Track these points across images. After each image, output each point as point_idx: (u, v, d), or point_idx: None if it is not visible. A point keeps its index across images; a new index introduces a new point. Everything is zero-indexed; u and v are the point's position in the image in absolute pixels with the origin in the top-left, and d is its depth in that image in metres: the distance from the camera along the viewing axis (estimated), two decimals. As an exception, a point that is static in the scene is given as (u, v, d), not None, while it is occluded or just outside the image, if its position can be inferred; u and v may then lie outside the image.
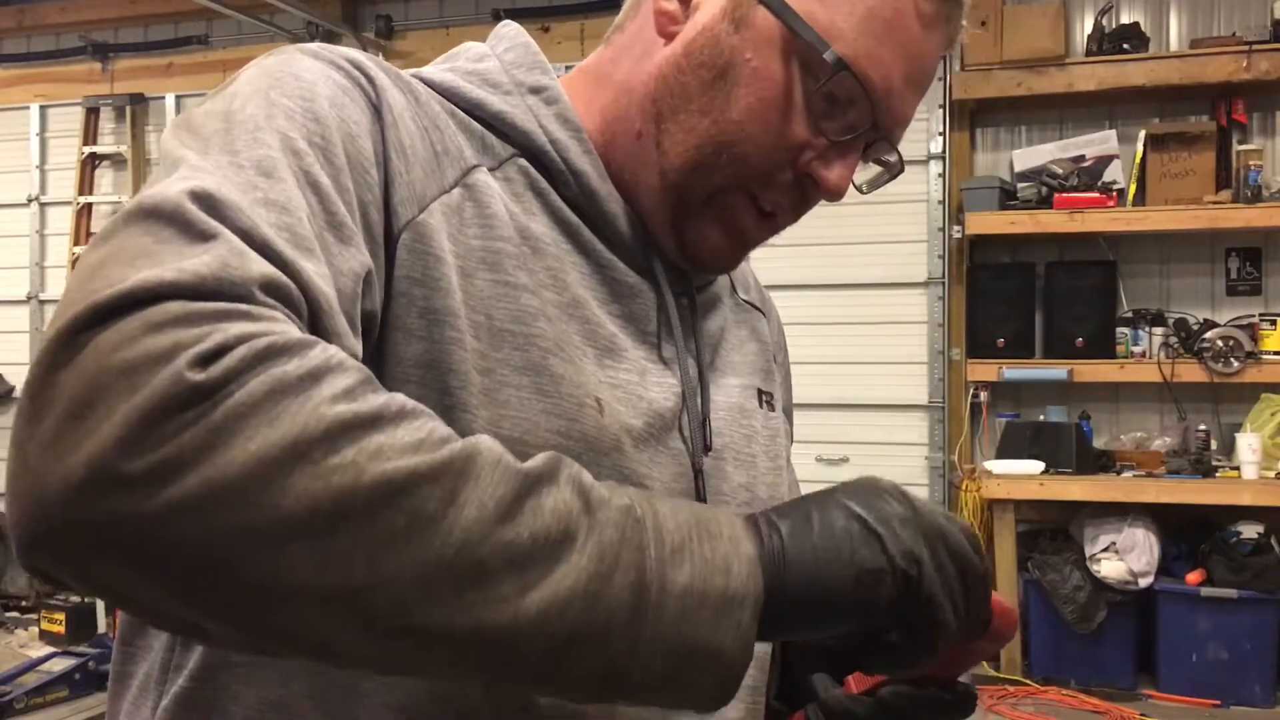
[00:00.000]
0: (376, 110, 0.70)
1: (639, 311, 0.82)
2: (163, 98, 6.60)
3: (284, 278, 0.57)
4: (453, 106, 0.79)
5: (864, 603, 0.61)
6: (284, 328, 0.54)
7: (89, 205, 6.64)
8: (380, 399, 0.55)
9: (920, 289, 5.45)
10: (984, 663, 4.86)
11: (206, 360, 0.51)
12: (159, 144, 0.66)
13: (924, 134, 5.42)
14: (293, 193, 0.62)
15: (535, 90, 0.82)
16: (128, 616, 0.76)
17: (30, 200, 6.86)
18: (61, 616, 4.91)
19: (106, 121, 6.71)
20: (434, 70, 0.83)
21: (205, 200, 0.58)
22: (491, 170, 0.77)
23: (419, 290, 0.69)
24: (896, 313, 5.46)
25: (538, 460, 0.58)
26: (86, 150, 6.65)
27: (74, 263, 6.50)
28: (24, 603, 5.71)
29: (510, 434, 0.69)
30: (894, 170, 0.85)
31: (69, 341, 0.51)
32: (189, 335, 0.51)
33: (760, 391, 0.92)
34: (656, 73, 0.81)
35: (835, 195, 0.80)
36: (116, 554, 0.50)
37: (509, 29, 0.86)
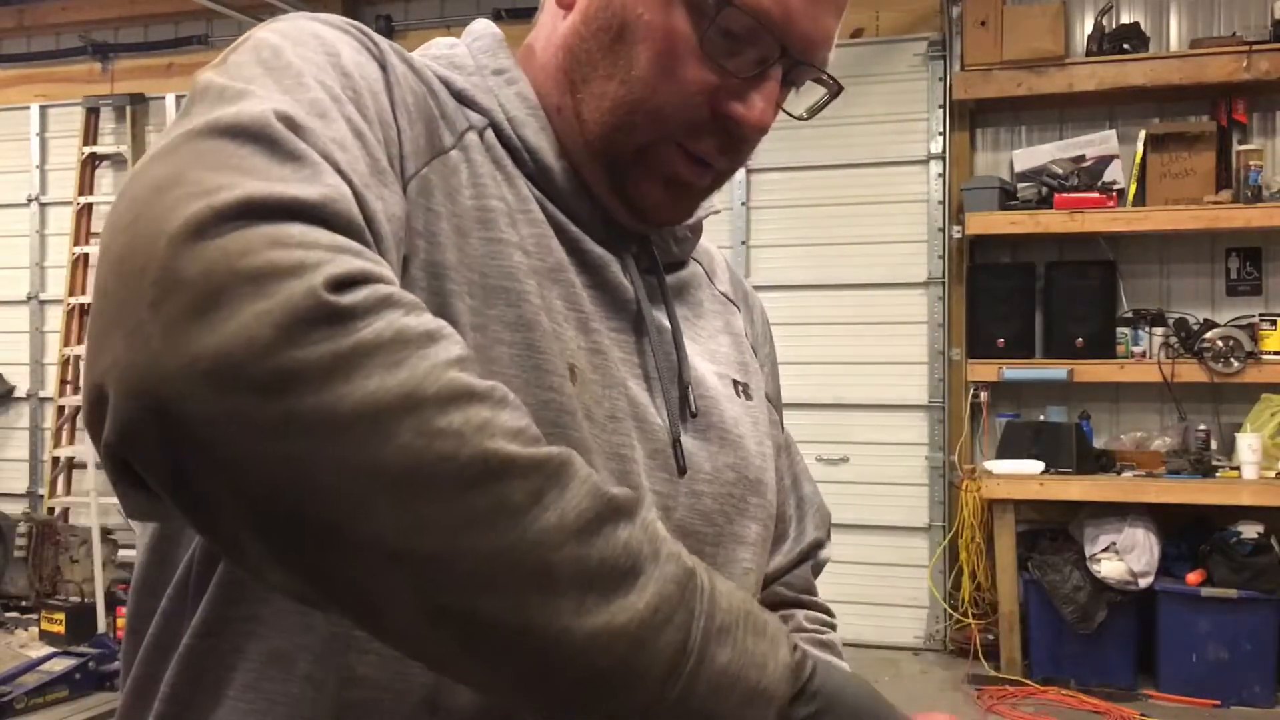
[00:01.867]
0: (384, 70, 0.72)
1: (612, 281, 0.83)
2: (163, 98, 6.60)
3: (361, 218, 0.59)
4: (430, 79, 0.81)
5: None
6: (390, 275, 0.56)
7: (89, 205, 6.64)
8: (486, 380, 0.55)
9: (920, 289, 5.45)
10: (984, 662, 4.86)
11: (339, 286, 0.52)
12: (191, 87, 0.65)
13: (924, 134, 5.42)
14: (346, 135, 0.63)
15: (497, 72, 0.83)
16: (146, 578, 0.76)
17: (30, 200, 6.87)
18: (61, 616, 4.91)
19: (106, 121, 6.72)
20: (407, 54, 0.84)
21: (290, 122, 0.59)
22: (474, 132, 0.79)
23: (421, 242, 0.70)
24: (896, 313, 5.46)
25: (622, 491, 0.58)
26: (87, 150, 6.65)
27: (74, 262, 6.51)
28: (24, 603, 5.72)
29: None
30: (832, 89, 0.84)
31: (191, 239, 0.51)
32: (314, 257, 0.52)
33: (735, 382, 0.92)
34: (563, 44, 0.82)
35: (758, 129, 0.79)
36: (216, 452, 0.50)
37: (479, 24, 0.88)
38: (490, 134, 0.80)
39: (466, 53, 0.84)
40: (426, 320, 0.55)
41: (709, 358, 0.91)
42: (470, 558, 0.52)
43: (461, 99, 0.81)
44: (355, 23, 0.74)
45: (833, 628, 1.03)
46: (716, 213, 0.99)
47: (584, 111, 0.81)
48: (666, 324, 0.85)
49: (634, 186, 0.82)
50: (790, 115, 0.86)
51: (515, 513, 0.53)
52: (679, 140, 0.80)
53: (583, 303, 0.79)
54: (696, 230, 0.94)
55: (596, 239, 0.83)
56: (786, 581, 1.02)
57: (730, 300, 1.00)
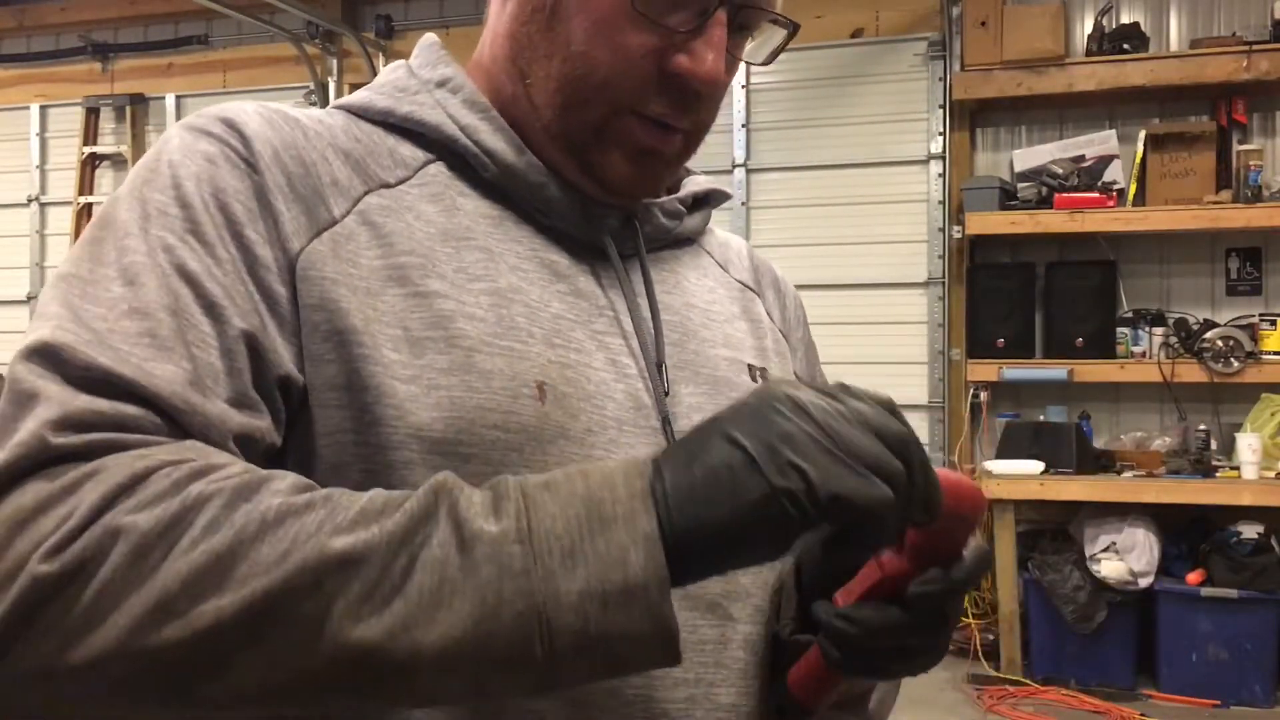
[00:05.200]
0: (250, 165, 0.72)
1: (585, 288, 0.81)
2: (163, 98, 6.61)
3: (116, 407, 0.62)
4: (368, 127, 0.80)
5: (770, 532, 0.58)
6: (101, 476, 0.59)
7: (89, 205, 6.65)
8: (205, 515, 0.58)
9: (920, 289, 5.46)
10: (984, 662, 4.85)
11: (52, 552, 0.57)
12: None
13: (924, 134, 5.42)
14: (153, 296, 0.66)
15: (441, 83, 0.83)
16: None
17: (30, 200, 6.87)
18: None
19: (106, 121, 6.72)
20: (355, 94, 0.84)
21: (41, 352, 0.63)
22: (403, 181, 0.78)
23: (320, 315, 0.70)
24: (896, 313, 5.47)
25: (416, 500, 0.59)
26: (86, 150, 6.66)
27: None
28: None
29: (445, 434, 0.69)
30: (788, 28, 0.82)
31: None
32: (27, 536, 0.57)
33: (751, 366, 0.89)
34: (506, 34, 0.82)
35: (710, 82, 0.77)
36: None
37: (424, 38, 0.88)
38: (432, 168, 0.80)
39: (406, 72, 0.84)
40: (144, 522, 0.58)
41: (725, 344, 0.88)
42: (292, 685, 0.58)
43: (410, 123, 0.80)
44: (227, 114, 0.74)
45: None
46: (728, 198, 0.97)
47: (535, 97, 0.80)
48: (647, 314, 0.83)
49: (599, 163, 0.80)
50: (752, 64, 0.84)
51: (314, 625, 0.56)
52: (634, 108, 0.78)
53: (549, 315, 0.77)
54: (689, 204, 0.91)
55: (573, 227, 0.82)
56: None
57: (749, 288, 0.97)
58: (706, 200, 0.94)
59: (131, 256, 0.67)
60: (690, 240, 0.94)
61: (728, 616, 0.79)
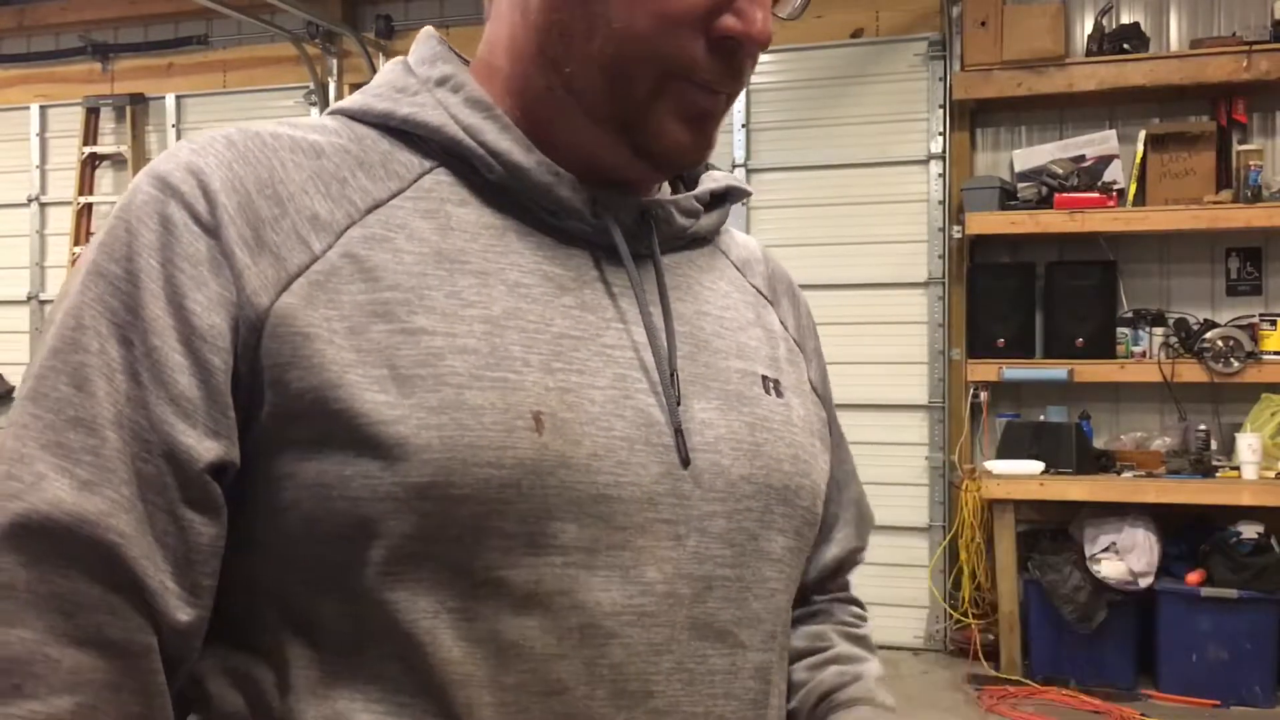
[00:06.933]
0: (210, 226, 0.70)
1: (593, 301, 0.77)
2: (163, 98, 6.61)
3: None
4: (364, 131, 0.78)
5: None
6: None
7: (89, 205, 6.65)
8: None
9: (920, 289, 5.45)
10: (984, 662, 4.86)
11: None
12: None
13: (924, 134, 5.42)
14: (102, 407, 0.67)
15: (441, 81, 0.80)
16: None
17: (30, 200, 6.87)
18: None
19: (106, 121, 6.72)
20: (353, 96, 0.82)
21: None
22: (396, 195, 0.75)
23: (294, 373, 0.68)
24: (896, 313, 5.46)
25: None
26: (86, 150, 6.65)
27: (74, 262, 6.50)
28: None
29: (435, 479, 0.67)
30: None
31: None
32: None
33: (765, 378, 0.85)
34: (534, 25, 0.78)
35: (761, 41, 0.75)
36: None
37: (421, 32, 0.85)
38: (429, 177, 0.77)
39: (404, 70, 0.82)
40: None
41: (738, 354, 0.84)
42: None
43: (411, 125, 0.78)
44: (195, 163, 0.72)
45: (864, 620, 1.01)
46: (748, 194, 0.94)
47: (575, 84, 0.76)
48: (658, 323, 0.79)
49: (655, 133, 0.77)
50: (779, 18, 0.81)
51: None
52: (682, 74, 0.75)
53: (550, 336, 0.73)
54: (706, 201, 0.87)
55: (584, 227, 0.78)
56: (832, 590, 1.00)
57: (763, 295, 0.93)
58: (725, 198, 0.90)
59: (81, 356, 0.68)
60: (705, 240, 0.89)
61: (739, 644, 0.77)
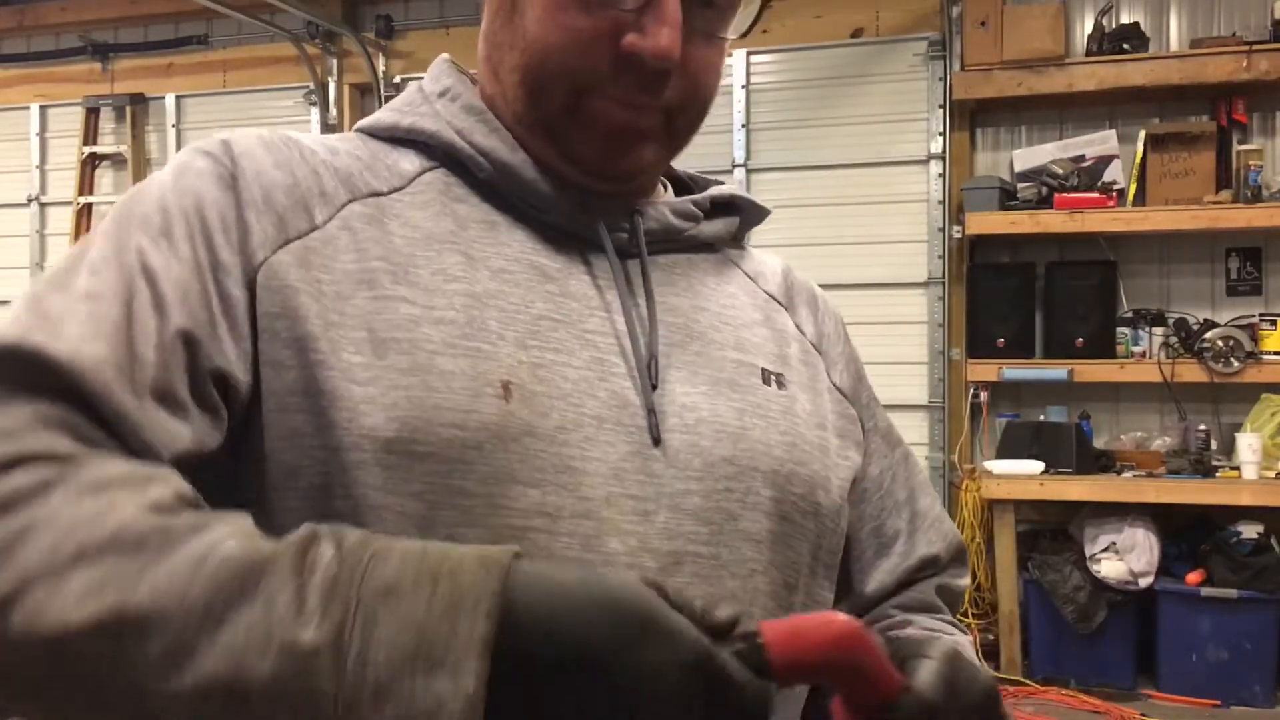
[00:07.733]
0: (232, 179, 0.75)
1: (577, 290, 0.80)
2: (163, 98, 6.60)
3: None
4: (375, 144, 0.84)
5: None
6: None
7: (89, 205, 6.64)
8: (49, 537, 0.58)
9: (920, 289, 5.45)
10: (984, 662, 4.85)
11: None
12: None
13: (924, 134, 5.42)
14: (110, 286, 0.69)
15: (441, 94, 0.85)
16: None
17: (30, 200, 6.87)
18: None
19: (106, 121, 6.72)
20: (370, 116, 0.88)
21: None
22: (395, 190, 0.80)
23: (281, 323, 0.72)
24: (896, 313, 5.46)
25: (251, 561, 0.57)
26: (86, 150, 6.65)
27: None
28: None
29: (399, 434, 0.70)
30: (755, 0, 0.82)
31: None
32: None
33: (765, 370, 0.87)
34: (483, 36, 0.85)
35: (663, 58, 0.76)
36: None
37: (437, 59, 0.91)
38: (429, 175, 0.82)
39: (416, 90, 0.88)
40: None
41: (736, 346, 0.86)
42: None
43: (414, 135, 0.83)
44: (232, 136, 0.78)
45: (956, 626, 0.96)
46: (765, 212, 0.96)
47: (508, 93, 0.82)
48: (641, 316, 0.81)
49: (577, 150, 0.81)
50: (725, 39, 0.82)
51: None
52: (594, 89, 0.78)
53: (529, 316, 0.77)
54: (706, 208, 0.89)
55: (570, 222, 0.82)
56: (899, 603, 0.94)
57: (776, 300, 0.96)
58: (730, 207, 0.93)
59: (104, 252, 0.71)
60: (714, 248, 0.92)
61: None
